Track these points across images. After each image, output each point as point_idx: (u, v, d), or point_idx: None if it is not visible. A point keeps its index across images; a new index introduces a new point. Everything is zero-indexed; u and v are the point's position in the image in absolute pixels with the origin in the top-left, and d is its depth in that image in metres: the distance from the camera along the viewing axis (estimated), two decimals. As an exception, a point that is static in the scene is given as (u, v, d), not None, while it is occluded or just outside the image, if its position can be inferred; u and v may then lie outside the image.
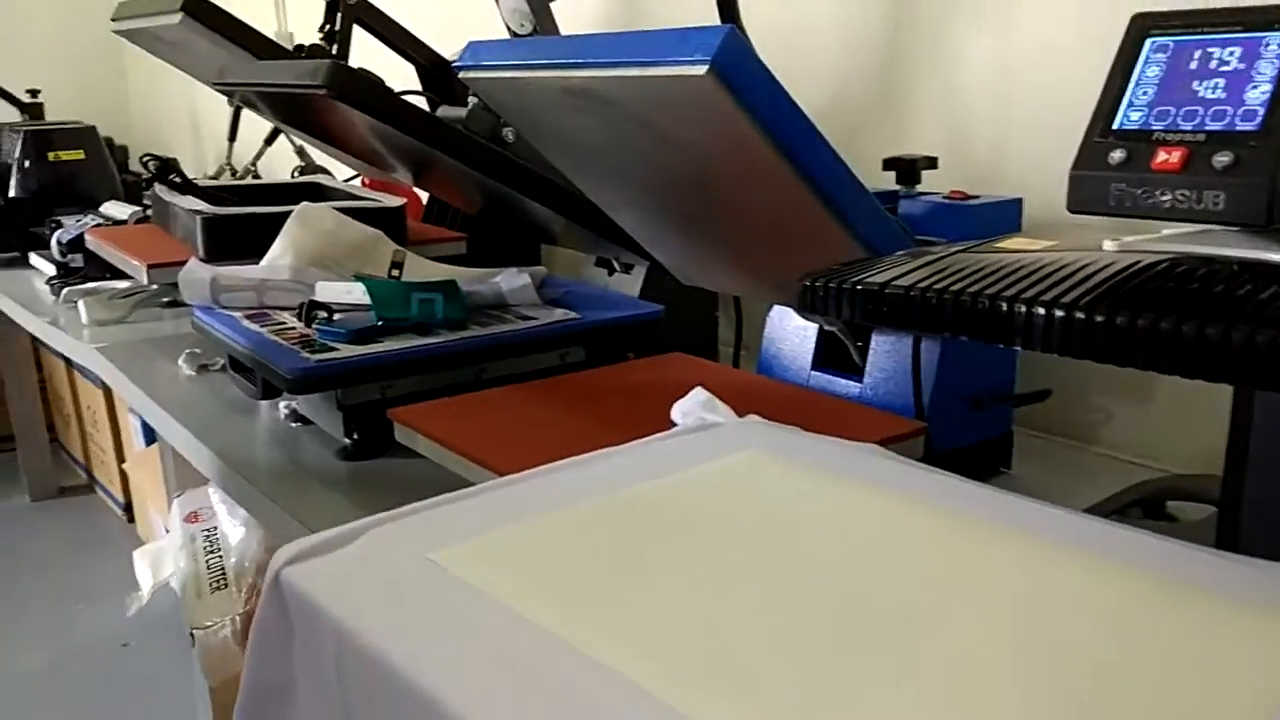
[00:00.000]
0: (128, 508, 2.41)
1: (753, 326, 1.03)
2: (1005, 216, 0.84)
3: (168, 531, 1.21)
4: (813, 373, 0.86)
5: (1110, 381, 0.91)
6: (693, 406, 0.55)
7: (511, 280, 0.97)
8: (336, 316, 0.92)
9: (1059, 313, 0.44)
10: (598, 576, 0.40)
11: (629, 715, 0.30)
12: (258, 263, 1.07)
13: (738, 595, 0.38)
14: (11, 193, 1.75)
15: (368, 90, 0.91)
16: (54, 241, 1.47)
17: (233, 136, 1.90)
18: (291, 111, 1.29)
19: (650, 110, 0.70)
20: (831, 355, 0.86)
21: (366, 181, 1.59)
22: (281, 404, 0.94)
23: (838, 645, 0.35)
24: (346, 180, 1.59)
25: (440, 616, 0.37)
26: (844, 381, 0.83)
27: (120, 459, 2.37)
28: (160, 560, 1.18)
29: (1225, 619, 0.36)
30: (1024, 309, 0.45)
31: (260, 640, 0.41)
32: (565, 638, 0.34)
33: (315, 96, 0.99)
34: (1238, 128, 0.44)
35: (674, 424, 0.55)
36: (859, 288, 0.51)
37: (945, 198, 0.84)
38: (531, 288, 0.97)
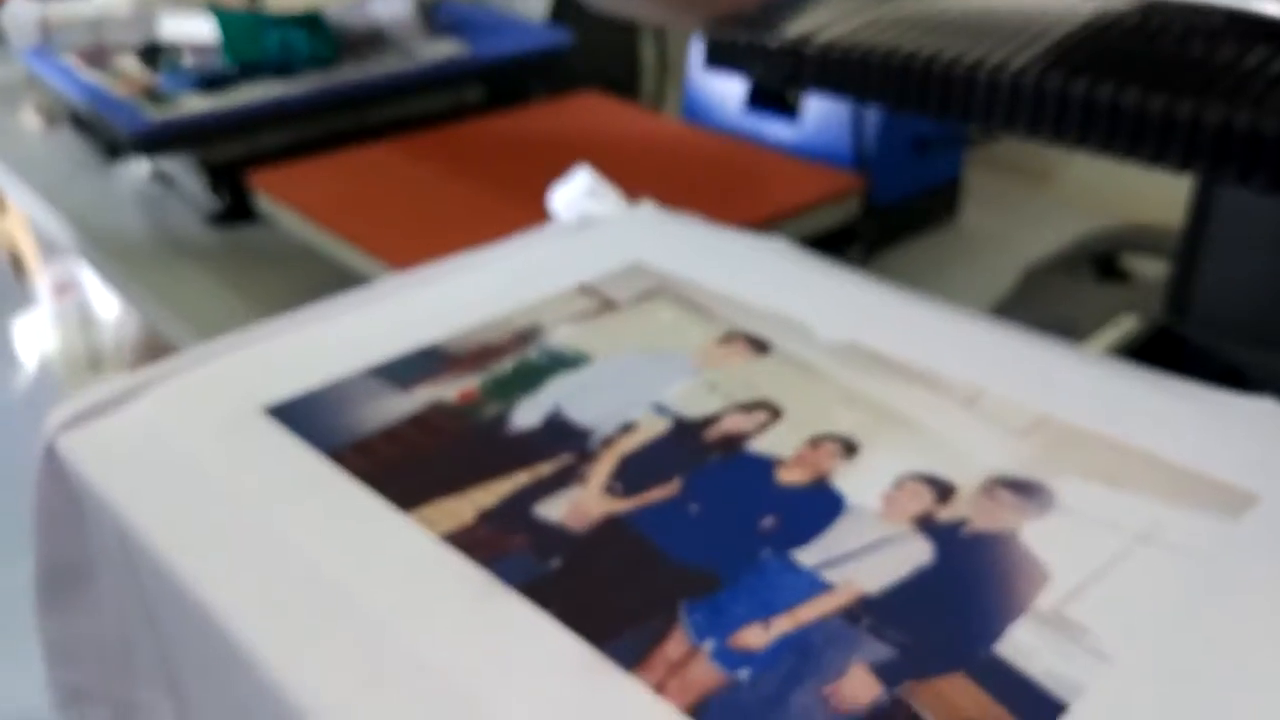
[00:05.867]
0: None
1: (680, 59, 0.90)
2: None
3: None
4: (743, 114, 0.75)
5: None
6: (576, 196, 0.45)
7: (390, 5, 0.83)
8: (190, 59, 0.79)
9: (1004, 79, 0.34)
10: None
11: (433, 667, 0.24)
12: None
13: None
14: None
15: None
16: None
17: None
18: None
19: None
20: (765, 92, 0.75)
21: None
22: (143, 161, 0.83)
23: None
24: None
25: (228, 508, 0.30)
26: (777, 125, 0.73)
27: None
28: (42, 333, 1.10)
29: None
30: (962, 75, 0.35)
31: (45, 517, 0.34)
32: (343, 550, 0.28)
33: None
34: None
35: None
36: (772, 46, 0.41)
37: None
38: (414, 15, 0.83)
